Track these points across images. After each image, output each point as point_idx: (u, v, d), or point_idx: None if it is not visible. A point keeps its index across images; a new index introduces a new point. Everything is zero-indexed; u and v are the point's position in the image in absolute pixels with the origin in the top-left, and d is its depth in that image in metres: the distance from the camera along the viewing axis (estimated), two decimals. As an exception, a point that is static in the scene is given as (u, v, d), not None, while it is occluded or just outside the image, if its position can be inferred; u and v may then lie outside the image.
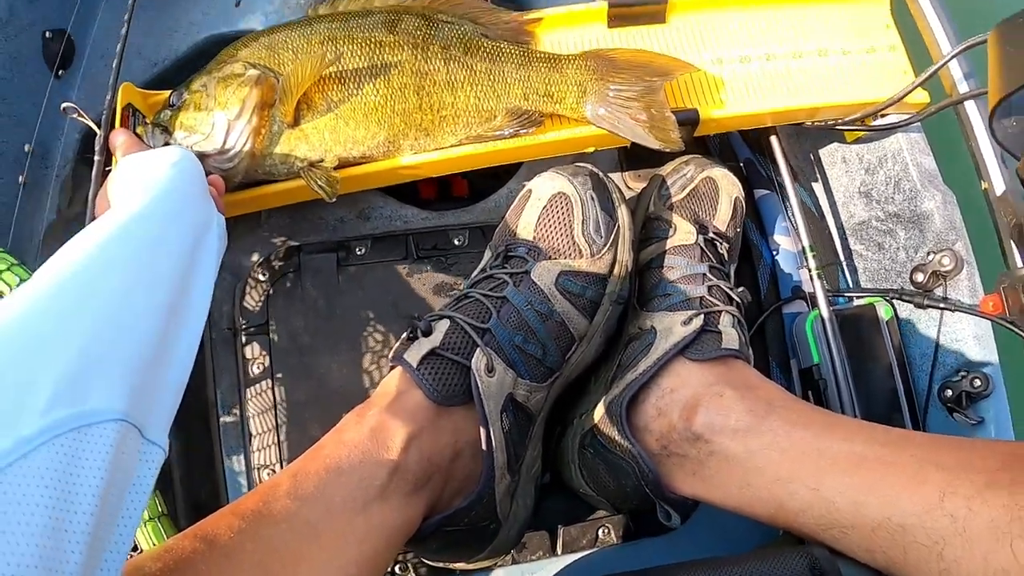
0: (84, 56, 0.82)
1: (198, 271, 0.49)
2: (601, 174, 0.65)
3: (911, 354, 0.75)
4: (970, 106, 0.69)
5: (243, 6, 0.84)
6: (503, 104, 0.65)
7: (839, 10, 0.76)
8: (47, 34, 0.77)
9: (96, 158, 0.64)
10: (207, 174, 0.60)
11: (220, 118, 0.63)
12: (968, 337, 0.71)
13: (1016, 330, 0.64)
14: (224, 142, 0.63)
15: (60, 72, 0.78)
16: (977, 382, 0.67)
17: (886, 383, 0.73)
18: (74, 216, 0.76)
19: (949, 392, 0.69)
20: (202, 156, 0.62)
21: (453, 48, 0.66)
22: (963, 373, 0.69)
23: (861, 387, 0.72)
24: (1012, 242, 0.65)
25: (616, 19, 0.71)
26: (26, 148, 0.73)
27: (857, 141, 0.81)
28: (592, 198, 0.63)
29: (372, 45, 0.64)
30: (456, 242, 0.75)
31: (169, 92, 0.67)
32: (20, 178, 0.72)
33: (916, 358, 0.75)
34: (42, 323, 0.36)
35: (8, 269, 0.58)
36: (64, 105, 0.64)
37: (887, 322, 0.74)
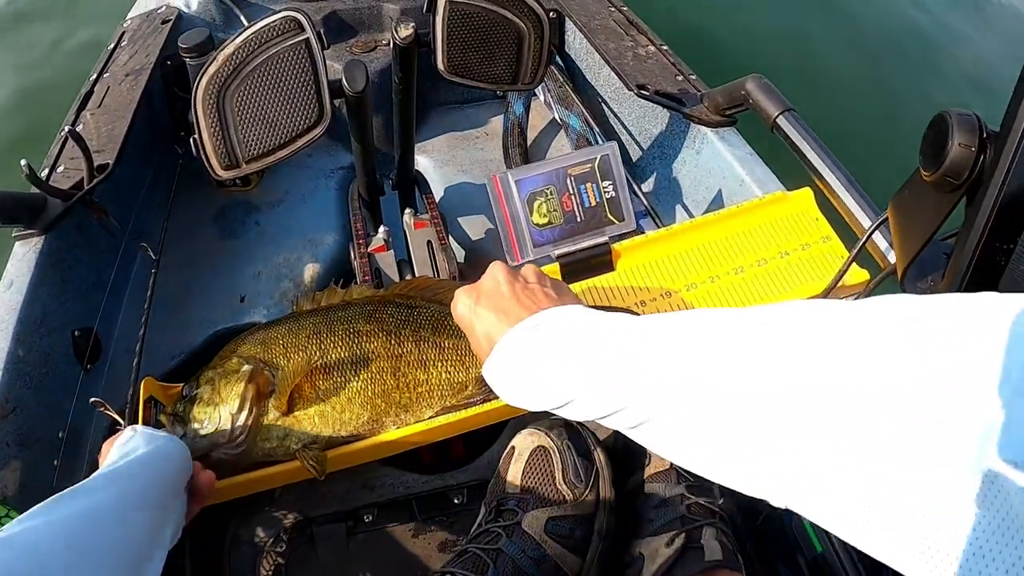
0: (110, 351, 0.91)
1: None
2: (575, 423, 0.70)
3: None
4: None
5: (247, 302, 0.94)
6: (472, 374, 0.71)
7: (770, 221, 0.83)
8: (76, 333, 0.87)
9: (122, 447, 0.71)
10: (216, 460, 0.66)
11: (225, 412, 0.70)
12: None
13: None
14: (231, 433, 0.69)
15: (88, 366, 0.88)
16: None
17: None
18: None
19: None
20: (214, 444, 0.68)
21: (423, 330, 0.72)
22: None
23: (868, 560, 0.73)
24: None
25: (569, 274, 0.78)
26: (60, 435, 0.81)
27: (815, 330, 0.86)
28: (569, 447, 0.68)
29: (351, 335, 0.71)
30: (456, 501, 0.79)
31: (183, 385, 0.74)
32: (55, 462, 0.79)
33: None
34: None
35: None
36: (92, 400, 0.71)
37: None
